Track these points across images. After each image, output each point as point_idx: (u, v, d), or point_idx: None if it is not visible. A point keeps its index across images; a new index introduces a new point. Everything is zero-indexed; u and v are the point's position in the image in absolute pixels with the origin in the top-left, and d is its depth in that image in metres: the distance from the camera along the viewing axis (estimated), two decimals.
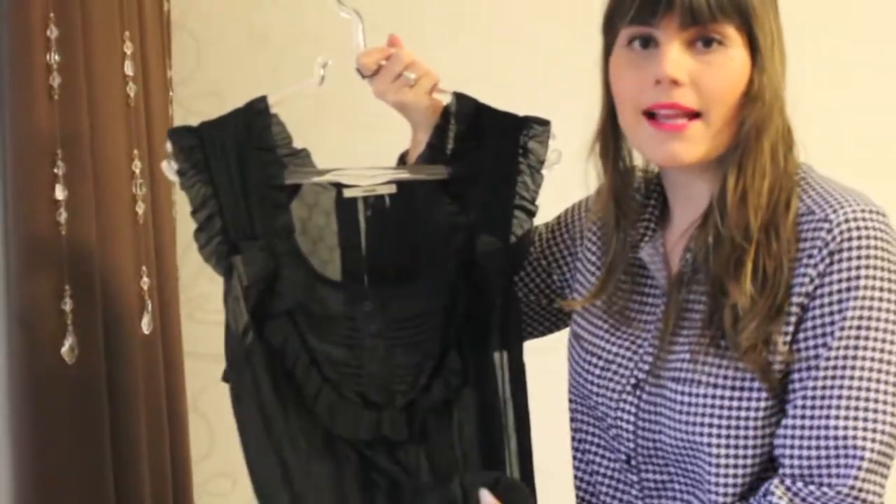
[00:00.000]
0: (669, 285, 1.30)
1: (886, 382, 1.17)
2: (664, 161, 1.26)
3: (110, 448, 1.69)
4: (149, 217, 1.87)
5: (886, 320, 1.17)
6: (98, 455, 1.67)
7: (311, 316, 1.39)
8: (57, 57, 1.59)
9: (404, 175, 1.45)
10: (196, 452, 2.17)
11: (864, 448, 1.16)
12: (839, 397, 1.18)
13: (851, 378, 1.17)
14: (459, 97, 1.45)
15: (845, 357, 1.18)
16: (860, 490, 1.16)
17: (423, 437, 1.41)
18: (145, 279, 1.84)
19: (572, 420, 1.42)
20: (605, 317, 1.36)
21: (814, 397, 1.19)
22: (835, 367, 1.18)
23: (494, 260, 1.41)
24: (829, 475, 1.17)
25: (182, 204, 2.15)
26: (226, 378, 1.39)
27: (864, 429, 1.16)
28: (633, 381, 1.32)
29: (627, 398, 1.32)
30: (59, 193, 1.60)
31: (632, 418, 1.31)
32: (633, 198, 1.35)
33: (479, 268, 1.41)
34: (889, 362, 1.17)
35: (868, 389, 1.17)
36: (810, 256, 1.18)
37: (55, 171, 1.60)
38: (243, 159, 1.38)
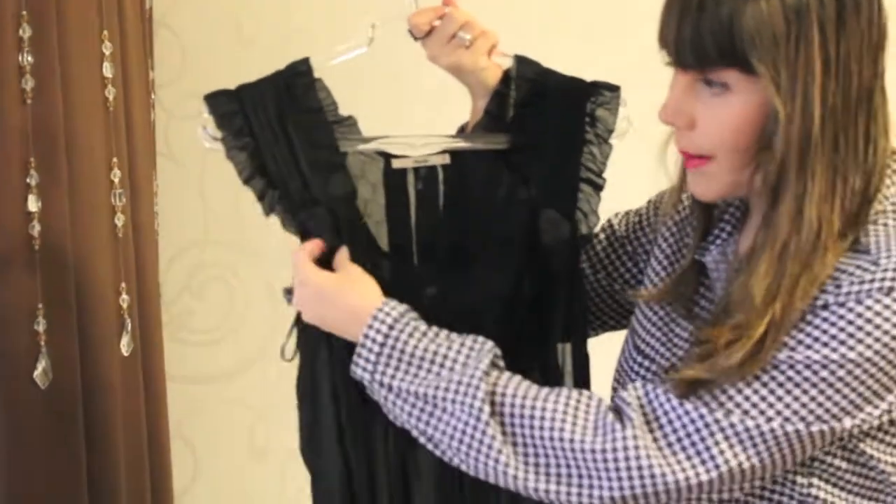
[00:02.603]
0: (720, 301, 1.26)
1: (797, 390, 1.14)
2: (693, 195, 1.26)
3: (86, 478, 1.68)
4: (129, 230, 1.86)
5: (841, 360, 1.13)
6: (74, 485, 1.66)
7: None
8: (30, 58, 1.58)
9: (459, 144, 1.43)
10: (179, 482, 2.15)
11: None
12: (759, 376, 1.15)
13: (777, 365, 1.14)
14: (521, 60, 1.43)
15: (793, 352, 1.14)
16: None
17: None
18: (125, 296, 1.82)
19: None
20: (665, 318, 1.34)
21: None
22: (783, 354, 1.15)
23: (559, 237, 1.39)
24: None
25: (164, 216, 2.15)
26: (283, 354, 1.37)
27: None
28: None
29: None
30: (33, 205, 1.59)
31: None
32: (717, 215, 1.31)
33: (542, 247, 1.38)
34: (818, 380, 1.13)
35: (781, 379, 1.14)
36: (838, 286, 1.14)
37: (28, 180, 1.59)
38: (286, 122, 1.36)
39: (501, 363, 1.25)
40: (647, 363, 1.33)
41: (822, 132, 1.13)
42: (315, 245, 1.32)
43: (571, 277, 1.40)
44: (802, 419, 1.13)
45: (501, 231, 1.40)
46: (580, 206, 1.41)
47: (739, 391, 1.14)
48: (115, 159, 1.80)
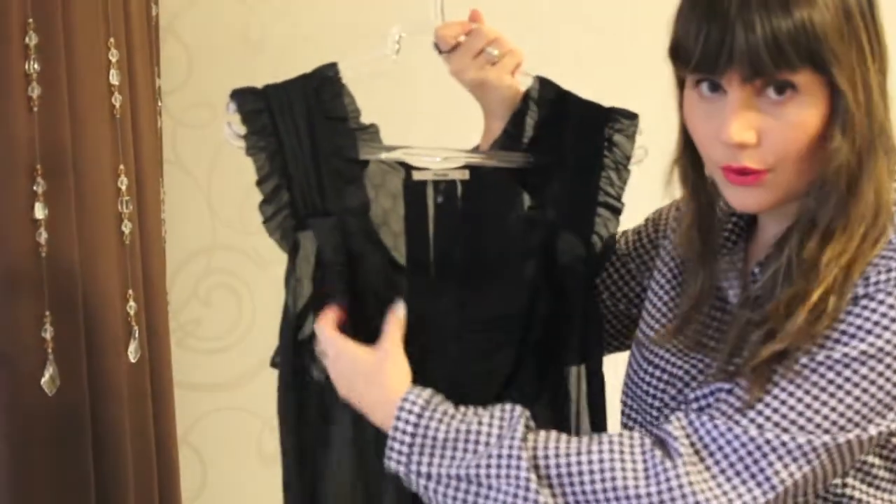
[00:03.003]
0: (738, 304, 1.26)
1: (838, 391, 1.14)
2: (737, 208, 1.25)
3: (94, 486, 1.68)
4: (136, 237, 1.86)
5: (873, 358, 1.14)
6: (81, 493, 1.66)
7: (382, 305, 1.35)
8: (36, 66, 1.59)
9: (481, 160, 1.43)
10: (187, 490, 2.16)
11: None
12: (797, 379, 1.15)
13: (815, 370, 1.15)
14: (542, 82, 1.43)
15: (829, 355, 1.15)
16: None
17: None
18: (132, 304, 1.83)
19: (624, 425, 1.38)
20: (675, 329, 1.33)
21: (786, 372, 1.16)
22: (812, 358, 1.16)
23: (575, 260, 1.39)
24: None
25: (171, 223, 2.15)
26: (274, 363, 1.37)
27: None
28: None
29: None
30: (39, 212, 1.59)
31: None
32: (718, 226, 1.31)
33: (560, 269, 1.39)
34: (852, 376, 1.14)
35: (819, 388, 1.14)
36: (866, 278, 1.15)
37: (35, 188, 1.59)
38: (313, 127, 1.36)
39: (533, 423, 1.24)
40: (658, 373, 1.32)
41: (880, 116, 1.18)
42: (332, 315, 1.32)
43: (586, 300, 1.40)
44: (857, 425, 1.13)
45: (517, 250, 1.40)
46: (597, 230, 1.41)
47: (783, 402, 1.14)
48: (121, 166, 1.80)
